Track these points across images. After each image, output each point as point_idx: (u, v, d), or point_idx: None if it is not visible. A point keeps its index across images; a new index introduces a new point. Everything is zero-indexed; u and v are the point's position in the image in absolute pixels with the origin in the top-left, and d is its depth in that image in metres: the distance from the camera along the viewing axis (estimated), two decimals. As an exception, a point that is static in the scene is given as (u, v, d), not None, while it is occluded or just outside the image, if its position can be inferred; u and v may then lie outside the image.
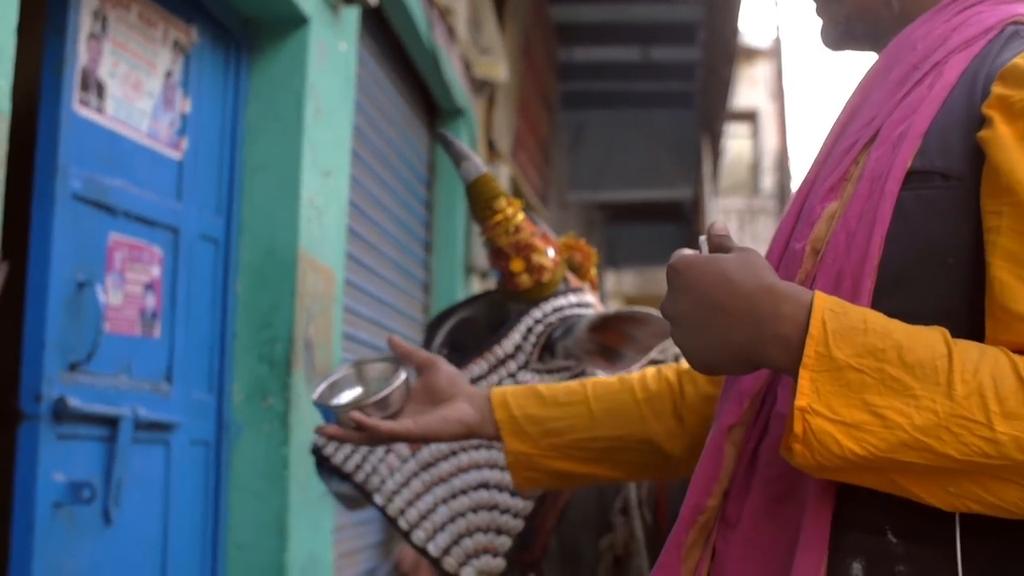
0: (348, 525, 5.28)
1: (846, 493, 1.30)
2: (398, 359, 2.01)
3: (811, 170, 1.51)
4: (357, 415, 1.90)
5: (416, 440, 1.95)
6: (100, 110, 3.35)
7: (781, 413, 1.38)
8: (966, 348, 1.21)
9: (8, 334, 3.13)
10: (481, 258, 7.04)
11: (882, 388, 1.20)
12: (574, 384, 1.96)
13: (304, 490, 4.09)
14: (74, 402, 3.14)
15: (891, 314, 1.26)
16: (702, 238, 1.37)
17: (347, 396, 2.04)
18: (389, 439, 1.94)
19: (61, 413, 3.11)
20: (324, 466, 2.55)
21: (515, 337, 2.47)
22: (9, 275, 2.89)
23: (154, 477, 3.63)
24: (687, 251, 1.35)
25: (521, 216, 2.49)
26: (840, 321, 1.23)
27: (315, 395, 2.02)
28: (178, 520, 3.73)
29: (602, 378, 1.97)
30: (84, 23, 3.27)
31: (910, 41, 1.48)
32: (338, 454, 2.50)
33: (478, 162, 2.52)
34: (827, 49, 1.63)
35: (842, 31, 1.60)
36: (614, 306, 2.47)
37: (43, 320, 3.11)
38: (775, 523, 1.35)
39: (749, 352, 1.27)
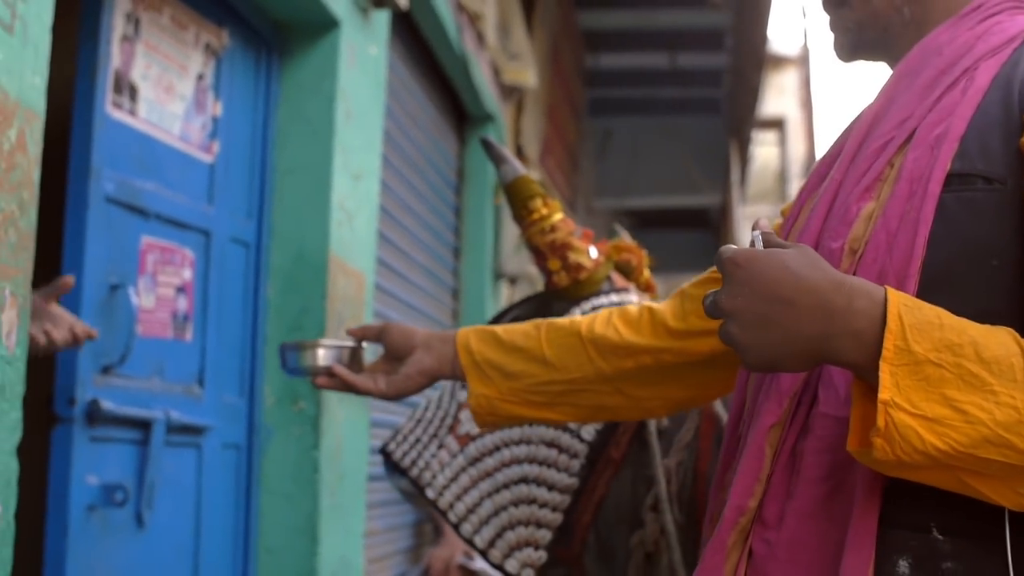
0: (378, 530, 5.27)
1: (892, 491, 1.29)
2: (358, 341, 2.28)
3: (837, 169, 1.52)
4: (338, 368, 2.18)
5: (389, 398, 2.19)
6: (133, 113, 3.36)
7: (825, 414, 1.37)
8: None
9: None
10: (510, 263, 7.03)
11: (961, 383, 1.19)
12: (529, 327, 2.07)
13: (335, 494, 4.09)
14: (107, 405, 3.15)
15: None
16: (756, 232, 1.36)
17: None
18: (356, 390, 2.16)
19: (94, 416, 3.12)
20: (389, 464, 2.66)
21: None
22: (43, 277, 2.90)
23: (186, 480, 3.63)
24: (733, 247, 1.34)
25: (558, 216, 2.53)
26: (915, 316, 1.22)
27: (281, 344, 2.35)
28: (209, 523, 3.74)
29: (555, 320, 2.08)
30: (117, 25, 3.28)
31: (935, 46, 1.51)
32: (398, 451, 2.61)
33: (517, 164, 2.57)
34: (840, 61, 1.65)
35: (853, 39, 1.63)
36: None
37: (77, 323, 3.11)
38: (822, 524, 1.34)
39: (818, 347, 1.26)
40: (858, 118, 1.59)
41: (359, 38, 4.37)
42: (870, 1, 1.60)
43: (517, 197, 2.56)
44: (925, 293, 1.32)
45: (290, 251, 4.06)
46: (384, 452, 2.67)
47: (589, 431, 2.49)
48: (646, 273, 2.71)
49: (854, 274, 1.38)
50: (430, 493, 2.54)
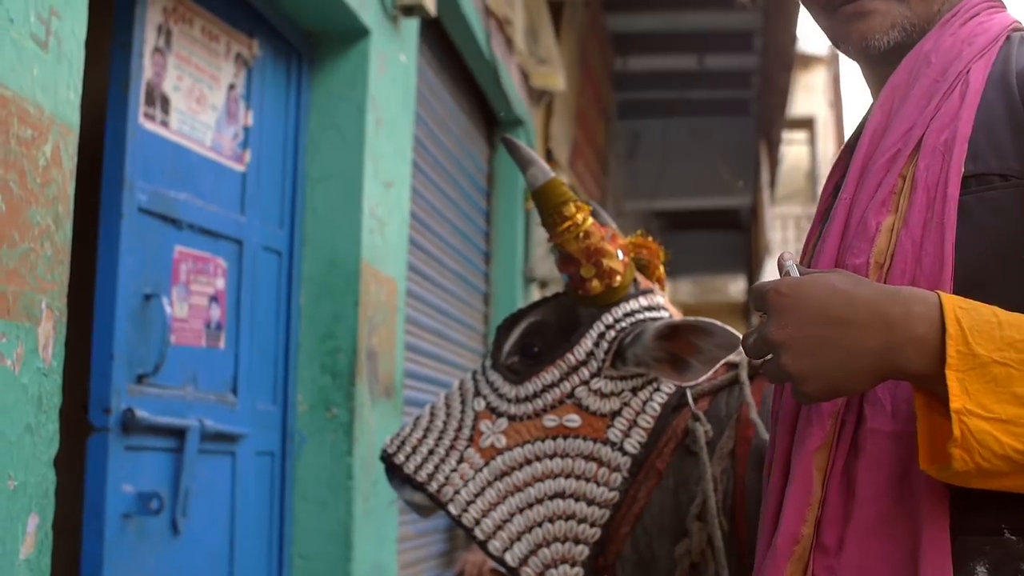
0: (411, 535, 5.28)
1: (955, 499, 1.27)
2: None
3: (845, 188, 1.48)
4: None
5: None
6: (165, 124, 3.39)
7: (875, 430, 1.34)
8: None
9: (75, 347, 3.16)
10: (540, 268, 7.03)
11: None
12: None
13: (368, 500, 4.10)
14: (142, 414, 3.16)
15: None
16: (789, 263, 1.33)
17: None
18: None
19: (129, 425, 3.14)
20: (395, 474, 2.53)
21: (587, 343, 2.43)
22: (77, 288, 2.92)
23: (220, 488, 3.65)
24: (769, 281, 1.31)
25: (590, 220, 2.44)
26: (973, 317, 1.21)
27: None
28: (244, 530, 3.76)
29: None
30: (149, 38, 3.30)
31: (922, 55, 1.50)
32: (409, 463, 2.48)
33: (545, 167, 2.47)
34: (861, 48, 1.57)
35: (900, 37, 1.55)
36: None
37: (111, 333, 3.14)
38: (884, 543, 1.31)
39: (884, 359, 1.23)
40: (858, 135, 1.56)
41: (389, 46, 4.39)
42: (930, 5, 1.55)
43: (548, 202, 2.44)
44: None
45: (322, 259, 4.08)
46: (389, 462, 2.54)
47: (633, 443, 2.38)
48: (660, 270, 2.63)
49: None
50: (453, 509, 2.44)
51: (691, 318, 2.33)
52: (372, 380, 4.16)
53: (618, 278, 2.42)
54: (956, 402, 1.17)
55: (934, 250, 1.32)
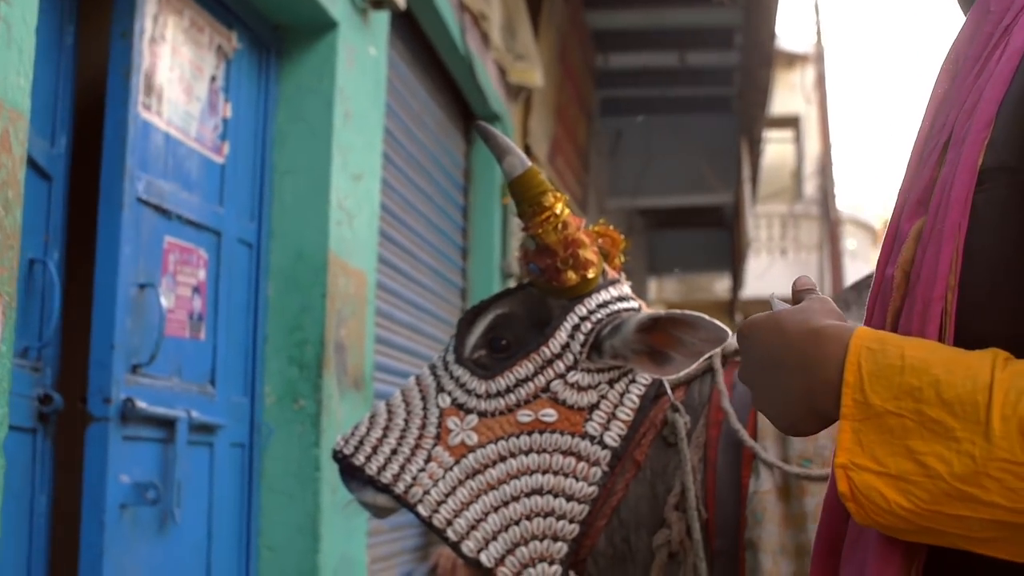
0: (384, 530, 5.29)
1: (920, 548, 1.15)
2: None
3: (904, 180, 1.30)
4: None
5: None
6: (159, 114, 3.39)
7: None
8: (1016, 375, 1.03)
9: (70, 336, 3.15)
10: (518, 263, 7.03)
11: (924, 432, 1.06)
12: None
13: (336, 492, 4.11)
14: (140, 404, 3.18)
15: (980, 339, 1.10)
16: (774, 299, 1.29)
17: None
18: None
19: (128, 415, 3.16)
20: (354, 476, 2.43)
21: (562, 336, 2.39)
22: (75, 277, 2.93)
23: (201, 479, 3.67)
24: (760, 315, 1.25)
25: (568, 211, 2.42)
26: (877, 361, 1.09)
27: None
28: (219, 522, 3.78)
29: None
30: (147, 27, 3.30)
31: (984, 5, 1.26)
32: (371, 464, 2.40)
33: (522, 156, 2.41)
34: None
35: None
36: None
37: (112, 322, 3.15)
38: None
39: (807, 404, 1.16)
40: (924, 110, 1.33)
41: (358, 39, 4.40)
42: None
43: (526, 193, 2.39)
44: (969, 315, 1.14)
45: (290, 251, 4.09)
46: (346, 463, 2.44)
47: (613, 436, 2.35)
48: (619, 259, 2.60)
49: (901, 306, 1.21)
50: (423, 510, 2.36)
51: (675, 311, 2.31)
52: (341, 372, 4.16)
53: (592, 269, 2.41)
54: (842, 456, 1.09)
55: (930, 263, 1.17)
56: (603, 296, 2.42)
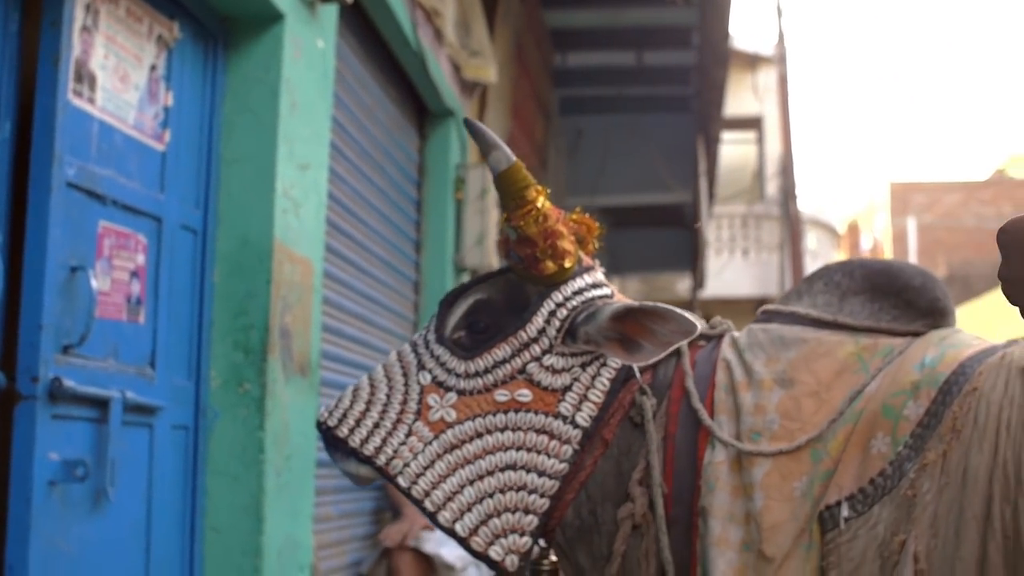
0: (333, 516, 5.36)
1: None
2: None
3: None
4: None
5: None
6: (92, 101, 3.47)
7: None
8: None
9: (7, 318, 3.23)
10: (471, 257, 7.10)
11: None
12: None
13: (281, 474, 4.18)
14: (68, 383, 3.25)
15: None
16: None
17: None
18: None
19: (56, 394, 3.22)
20: (338, 447, 2.55)
21: (538, 321, 2.50)
22: (16, 262, 2.99)
23: (139, 460, 3.74)
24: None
25: (548, 203, 2.53)
26: None
27: None
28: (160, 502, 3.84)
29: None
30: (78, 16, 3.39)
31: None
32: (354, 436, 2.52)
33: (508, 151, 2.49)
34: None
35: None
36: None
37: (40, 303, 3.22)
38: None
39: None
40: None
41: (305, 31, 4.47)
42: None
43: (512, 186, 2.47)
44: None
45: (235, 237, 4.16)
46: (330, 434, 2.56)
47: (584, 416, 2.47)
48: (592, 244, 2.71)
49: None
50: (402, 481, 2.48)
51: (648, 302, 2.43)
52: (286, 357, 4.24)
53: (569, 259, 2.52)
54: None
55: None
56: (578, 283, 2.54)
